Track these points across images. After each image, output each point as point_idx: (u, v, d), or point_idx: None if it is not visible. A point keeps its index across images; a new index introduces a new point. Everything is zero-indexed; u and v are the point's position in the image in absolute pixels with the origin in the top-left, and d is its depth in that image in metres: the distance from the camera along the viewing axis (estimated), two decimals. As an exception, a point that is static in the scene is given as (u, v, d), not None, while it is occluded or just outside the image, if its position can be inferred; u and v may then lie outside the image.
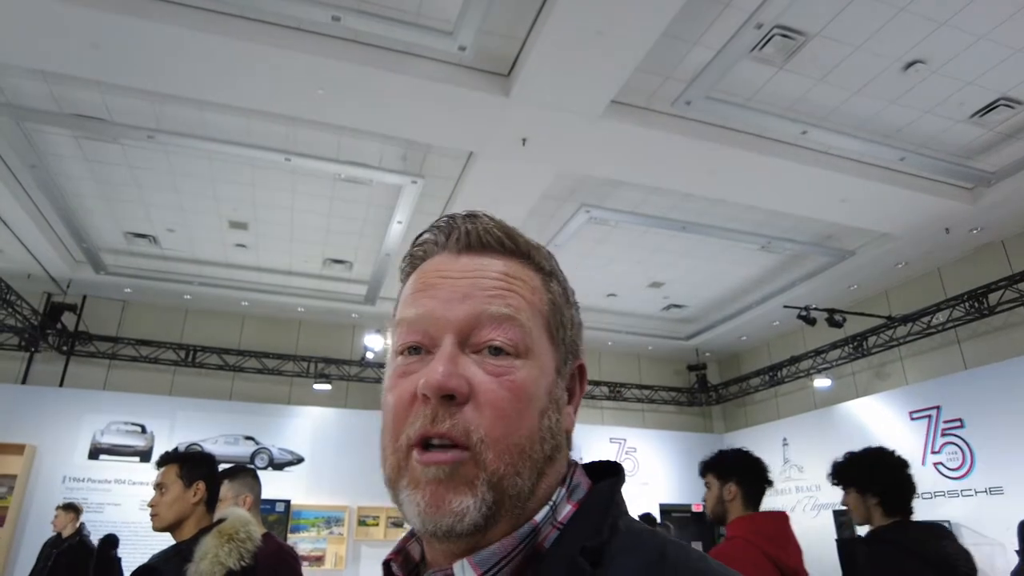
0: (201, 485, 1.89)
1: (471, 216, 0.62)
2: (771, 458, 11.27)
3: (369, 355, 10.22)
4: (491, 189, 7.14)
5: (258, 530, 1.85)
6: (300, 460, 9.72)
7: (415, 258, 0.65)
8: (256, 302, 10.52)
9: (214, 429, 9.77)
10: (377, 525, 9.20)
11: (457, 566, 0.52)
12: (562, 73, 5.40)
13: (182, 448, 9.59)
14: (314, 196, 7.82)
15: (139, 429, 9.58)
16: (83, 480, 9.10)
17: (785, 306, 9.87)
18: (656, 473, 12.01)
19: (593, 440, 11.82)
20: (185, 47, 5.22)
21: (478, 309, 0.55)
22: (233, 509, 1.96)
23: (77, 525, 4.81)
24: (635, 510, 11.03)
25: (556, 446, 0.57)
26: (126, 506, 8.94)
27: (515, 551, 0.52)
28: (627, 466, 11.60)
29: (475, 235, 0.60)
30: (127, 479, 9.18)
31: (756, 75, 5.83)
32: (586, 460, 0.68)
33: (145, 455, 9.46)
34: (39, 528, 8.46)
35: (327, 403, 10.58)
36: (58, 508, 4.82)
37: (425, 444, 0.53)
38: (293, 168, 7.17)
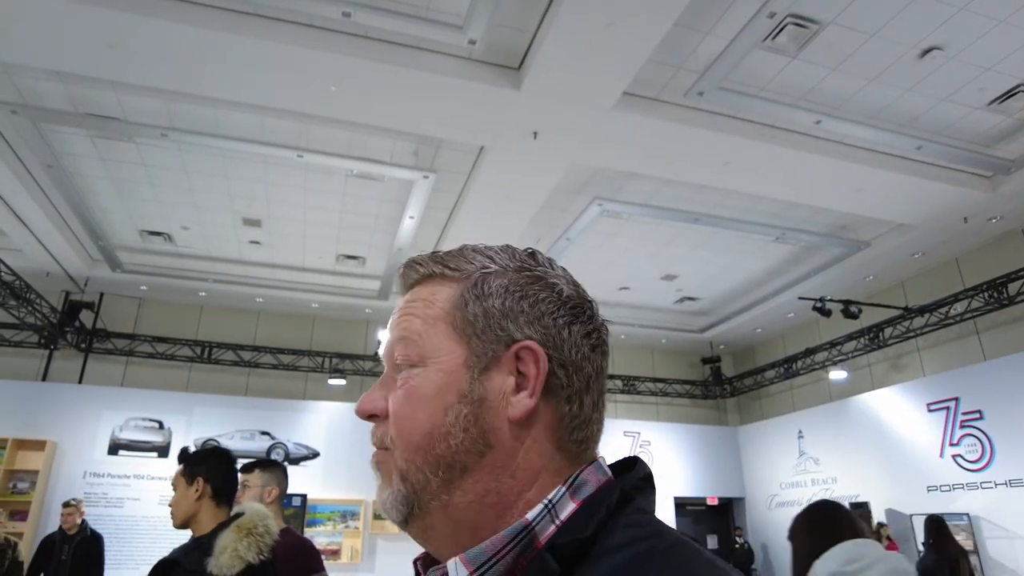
0: (200, 481, 1.94)
1: (406, 265, 0.71)
2: (786, 451, 11.23)
3: (380, 350, 10.25)
4: (503, 183, 7.13)
5: (276, 524, 1.87)
6: (316, 455, 9.80)
7: None
8: (270, 298, 10.60)
9: (230, 424, 9.87)
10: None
11: (451, 563, 0.54)
12: (573, 65, 5.37)
13: (198, 444, 9.75)
14: (327, 193, 7.85)
15: (157, 425, 9.70)
16: (103, 475, 9.23)
17: (800, 297, 9.79)
18: (671, 466, 11.98)
19: (607, 434, 11.77)
20: (198, 45, 5.25)
21: (390, 341, 0.66)
22: (251, 504, 1.98)
23: (80, 520, 4.93)
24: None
25: (479, 438, 0.58)
26: (145, 501, 9.06)
27: (505, 548, 0.53)
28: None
29: (402, 281, 0.71)
30: (146, 474, 9.30)
31: (769, 65, 5.77)
32: (601, 454, 0.68)
33: (163, 451, 9.57)
34: (57, 521, 8.61)
35: (342, 398, 10.64)
36: (68, 505, 4.94)
37: (377, 447, 0.65)
38: (306, 165, 7.19)
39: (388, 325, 0.69)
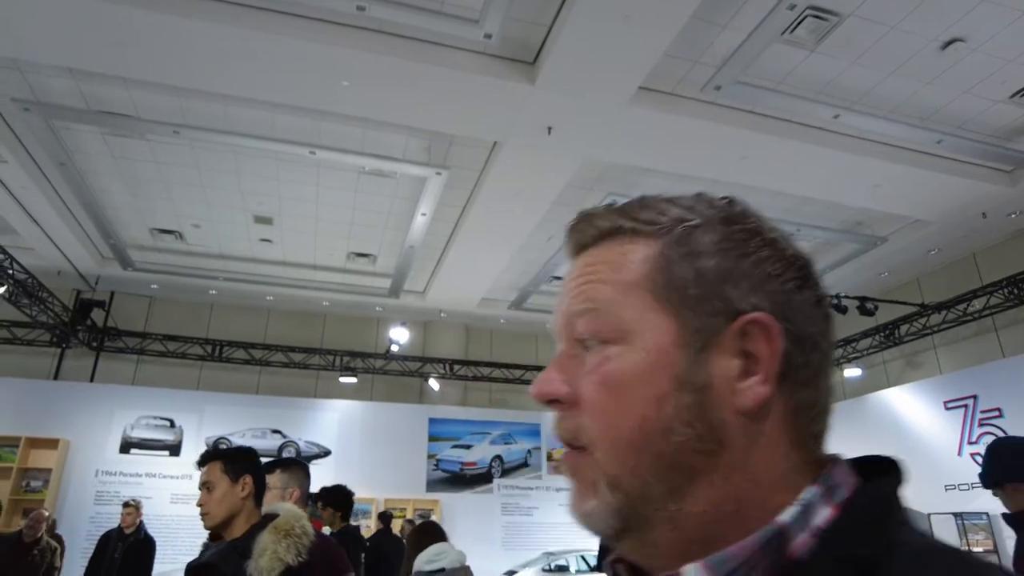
0: (248, 479, 1.85)
1: (577, 219, 0.58)
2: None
3: (394, 348, 10.23)
4: (515, 179, 7.08)
5: (311, 525, 1.82)
6: (327, 453, 9.78)
7: None
8: (281, 296, 10.58)
9: (242, 423, 9.86)
10: (404, 517, 9.21)
11: (689, 569, 0.46)
12: (588, 59, 5.31)
13: (209, 442, 9.75)
14: (338, 190, 7.81)
15: (168, 423, 9.69)
16: (115, 474, 9.23)
17: (814, 295, 9.68)
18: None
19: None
20: (209, 41, 5.21)
21: (568, 312, 0.54)
22: (283, 504, 1.92)
23: (138, 521, 4.94)
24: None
25: (707, 434, 0.47)
26: (157, 499, 9.05)
27: (755, 556, 0.44)
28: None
29: (573, 240, 0.58)
30: (157, 472, 9.30)
31: (787, 58, 5.69)
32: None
33: (174, 449, 9.57)
34: (74, 520, 8.62)
35: (353, 396, 10.62)
36: (128, 505, 4.97)
37: (566, 443, 0.52)
38: (318, 161, 7.16)
39: (563, 292, 0.56)
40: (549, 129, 6.16)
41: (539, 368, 11.64)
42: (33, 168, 7.34)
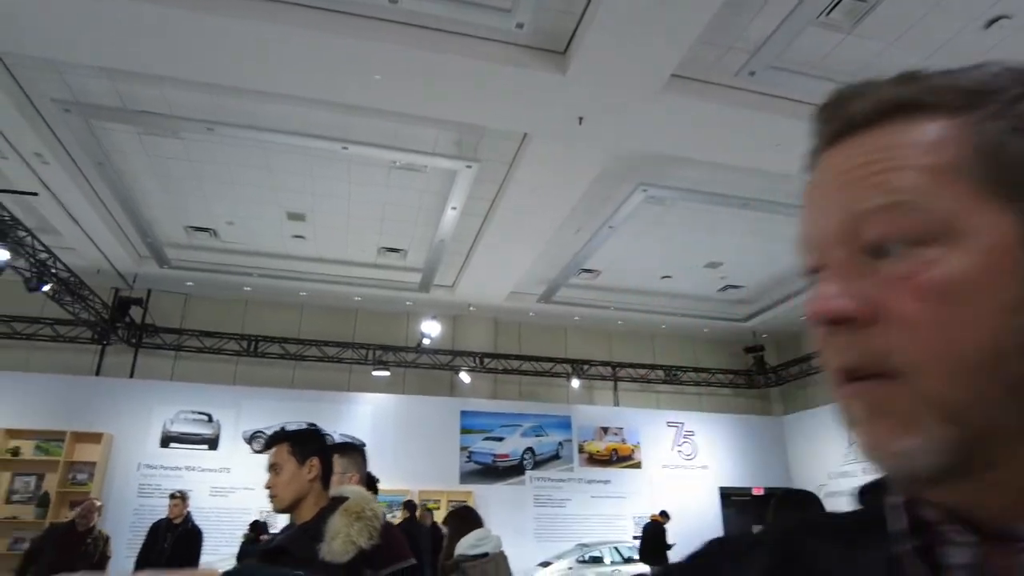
0: (315, 461, 1.83)
1: (838, 95, 0.47)
2: (835, 440, 10.96)
3: (425, 341, 10.29)
4: (546, 170, 7.06)
5: (380, 507, 1.81)
6: (363, 445, 9.86)
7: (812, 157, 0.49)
8: (314, 292, 10.70)
9: (278, 417, 9.84)
10: (439, 508, 9.28)
11: None
12: (620, 47, 5.26)
13: (247, 435, 9.86)
14: (369, 185, 7.86)
15: (206, 418, 9.88)
16: (156, 467, 9.44)
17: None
18: (715, 457, 11.82)
19: (651, 424, 11.69)
20: (242, 37, 5.27)
21: (851, 211, 0.43)
22: (351, 487, 1.92)
23: (185, 512, 5.07)
24: (681, 495, 10.93)
25: None
26: (197, 492, 9.21)
27: None
28: (686, 450, 11.46)
29: (840, 118, 0.46)
30: (197, 466, 9.49)
31: (823, 42, 5.59)
32: (644, 445, 0.52)
33: (212, 443, 9.76)
34: (118, 512, 8.84)
35: (386, 389, 10.72)
36: (174, 497, 5.10)
37: (849, 374, 0.42)
38: (349, 157, 7.21)
39: (832, 188, 0.44)
40: (580, 119, 6.13)
41: (569, 361, 11.68)
42: (73, 168, 7.51)
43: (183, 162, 7.56)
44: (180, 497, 5.27)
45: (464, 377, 11.02)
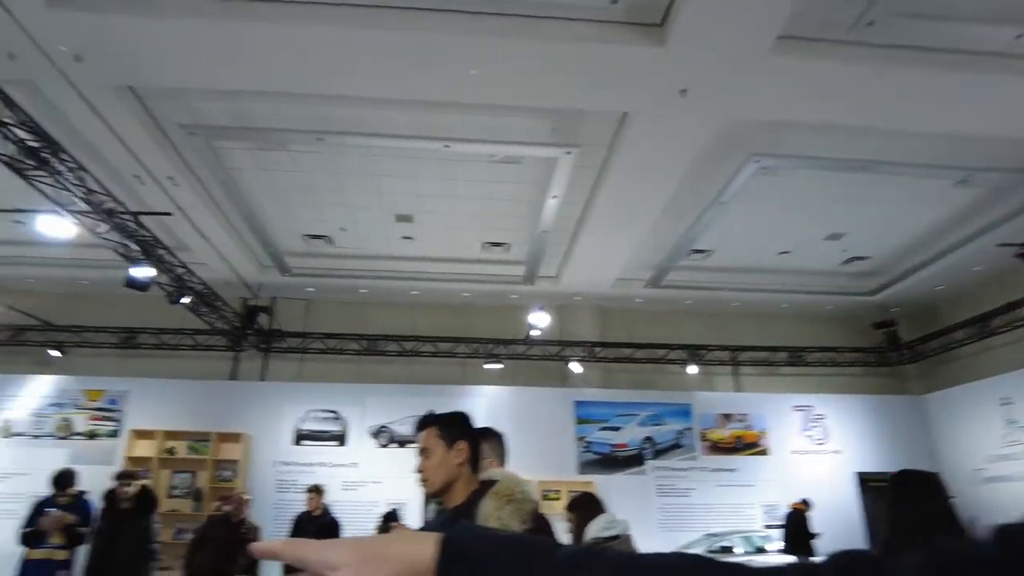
0: (463, 445, 1.79)
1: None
2: (989, 420, 9.97)
3: (534, 333, 10.30)
4: (648, 150, 6.84)
5: (531, 490, 1.77)
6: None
7: None
8: (425, 290, 11.00)
9: (400, 411, 10.38)
10: (559, 499, 9.28)
11: None
12: (721, 12, 4.98)
13: (372, 430, 10.36)
14: (471, 181, 7.95)
15: (333, 415, 10.41)
16: (290, 464, 10.06)
17: (1000, 245, 8.61)
18: (849, 441, 11.08)
19: (776, 408, 11.13)
20: (342, 46, 5.46)
21: None
22: (500, 470, 1.91)
23: (323, 504, 5.37)
24: (815, 482, 10.28)
25: None
26: (330, 487, 9.72)
27: None
28: (816, 435, 10.81)
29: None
30: (328, 462, 10.01)
31: (954, -24, 5.03)
32: (771, 431, 0.45)
33: (341, 439, 10.29)
34: (259, 506, 9.45)
35: (499, 382, 10.85)
36: (310, 491, 5.42)
37: None
38: (450, 155, 7.31)
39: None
40: (683, 92, 5.88)
41: (684, 347, 11.32)
42: (199, 188, 8.10)
43: (295, 173, 7.96)
44: (315, 491, 5.56)
45: (575, 367, 10.95)
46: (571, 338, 11.26)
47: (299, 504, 9.45)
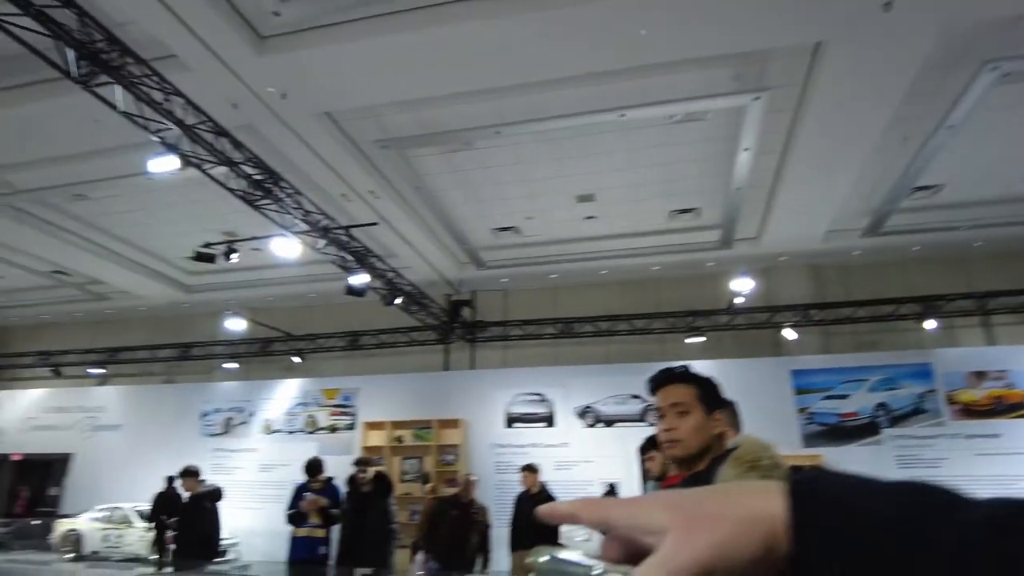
0: (720, 416, 1.55)
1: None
2: None
3: (738, 300, 9.67)
4: (850, 81, 6.04)
5: (781, 456, 1.47)
6: (688, 414, 9.67)
7: None
8: (614, 268, 10.85)
9: (603, 391, 10.38)
10: (783, 474, 8.65)
11: None
12: None
13: (577, 410, 10.47)
14: (650, 148, 7.64)
15: (539, 398, 10.70)
16: (505, 446, 10.51)
17: None
18: None
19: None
20: (512, 34, 5.49)
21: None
22: (745, 435, 1.60)
23: (538, 482, 5.54)
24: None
25: None
26: (543, 467, 10.00)
27: None
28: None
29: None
30: (539, 443, 10.30)
31: None
32: None
33: (549, 420, 10.55)
34: (480, 487, 10.02)
35: (703, 355, 10.35)
36: (523, 470, 5.62)
37: None
38: (627, 124, 7.08)
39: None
40: (886, 5, 5.08)
41: (916, 300, 9.93)
42: (397, 197, 8.70)
43: (480, 170, 8.23)
44: (529, 469, 5.70)
45: (788, 333, 10.11)
46: (780, 302, 10.41)
47: (517, 485, 9.89)
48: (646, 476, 3.67)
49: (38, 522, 12.46)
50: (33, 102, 6.57)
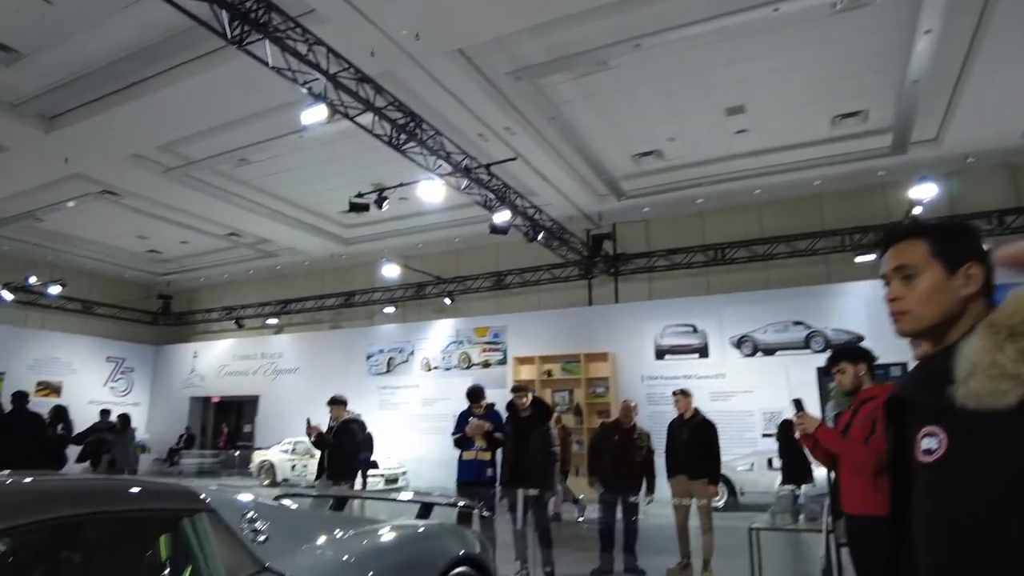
0: (975, 270, 1.07)
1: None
2: None
3: (916, 211, 8.62)
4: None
5: None
6: (860, 340, 8.89)
7: None
8: (769, 187, 10.07)
9: (761, 319, 9.83)
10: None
11: None
12: None
13: (733, 340, 9.95)
14: (808, 45, 6.85)
15: (691, 329, 10.34)
16: (656, 378, 10.35)
17: None
18: None
19: None
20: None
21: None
22: (1019, 290, 1.04)
23: (692, 407, 5.38)
24: None
25: None
26: (698, 398, 9.67)
27: None
28: None
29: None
30: (693, 374, 10.01)
31: None
32: None
33: (703, 351, 10.20)
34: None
35: (874, 276, 9.43)
36: (675, 394, 5.47)
37: None
38: (781, 20, 6.37)
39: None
40: None
41: None
42: (533, 132, 8.54)
43: (617, 92, 7.83)
44: (682, 393, 5.51)
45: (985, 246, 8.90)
46: (969, 210, 9.16)
47: (670, 415, 9.73)
48: (830, 393, 3.36)
49: (237, 453, 14.25)
50: (193, 76, 7.07)
